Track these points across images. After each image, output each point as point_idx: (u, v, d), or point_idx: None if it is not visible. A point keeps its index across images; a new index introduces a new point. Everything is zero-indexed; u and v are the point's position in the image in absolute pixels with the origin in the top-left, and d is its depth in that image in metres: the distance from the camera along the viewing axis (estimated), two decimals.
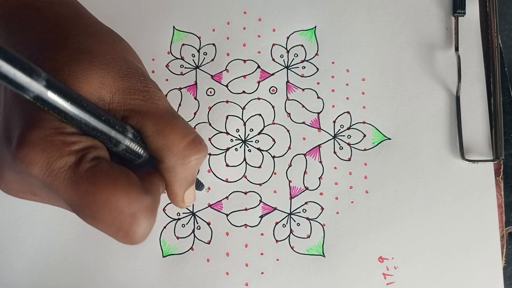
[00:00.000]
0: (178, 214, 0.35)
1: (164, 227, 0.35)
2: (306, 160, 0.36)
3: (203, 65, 0.37)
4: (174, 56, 0.37)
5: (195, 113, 0.36)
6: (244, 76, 0.37)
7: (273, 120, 0.36)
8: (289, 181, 0.35)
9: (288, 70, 0.37)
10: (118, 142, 0.23)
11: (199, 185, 0.32)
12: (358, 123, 0.36)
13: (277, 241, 0.35)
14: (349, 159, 0.36)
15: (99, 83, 0.23)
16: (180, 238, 0.35)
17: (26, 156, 0.21)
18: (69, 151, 0.21)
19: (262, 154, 0.36)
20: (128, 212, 0.21)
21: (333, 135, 0.36)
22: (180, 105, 0.36)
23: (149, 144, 0.24)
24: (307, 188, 0.35)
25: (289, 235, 0.35)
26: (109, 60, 0.24)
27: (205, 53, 0.37)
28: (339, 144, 0.36)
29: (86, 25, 0.26)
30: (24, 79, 0.18)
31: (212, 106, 0.36)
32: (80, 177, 0.21)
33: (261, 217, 0.35)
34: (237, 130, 0.36)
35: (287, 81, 0.36)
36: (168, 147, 0.24)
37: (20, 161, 0.21)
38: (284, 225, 0.35)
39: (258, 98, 0.36)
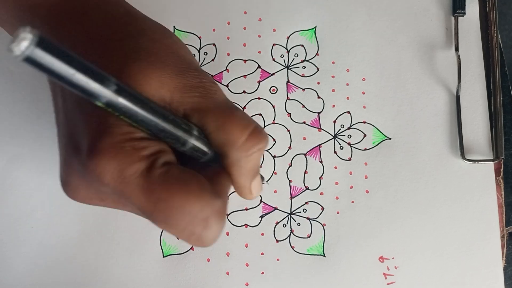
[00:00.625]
0: None
1: None
2: (307, 160, 0.36)
3: (203, 65, 0.37)
4: None
5: None
6: (245, 76, 0.37)
7: (274, 120, 0.36)
8: (290, 181, 0.35)
9: (289, 70, 0.37)
10: (185, 141, 0.23)
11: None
12: (358, 123, 0.36)
13: (277, 241, 0.35)
14: (350, 159, 0.36)
15: (159, 82, 0.23)
16: None
17: (97, 165, 0.21)
18: (140, 157, 0.21)
19: (263, 153, 0.36)
20: (200, 217, 0.21)
21: (333, 135, 0.36)
22: None
23: (212, 140, 0.24)
24: (307, 188, 0.35)
25: (289, 235, 0.35)
26: (164, 57, 0.24)
27: (205, 53, 0.37)
28: (340, 144, 0.36)
29: (136, 23, 0.26)
30: (96, 87, 0.18)
31: None
32: (152, 184, 0.21)
33: (262, 217, 0.35)
34: None
35: (288, 81, 0.36)
36: (231, 141, 0.24)
37: (92, 170, 0.21)
38: (284, 225, 0.35)
39: (259, 98, 0.36)
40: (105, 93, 0.19)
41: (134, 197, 0.21)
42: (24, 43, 0.15)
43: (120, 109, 0.20)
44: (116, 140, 0.21)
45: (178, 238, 0.35)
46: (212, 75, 0.37)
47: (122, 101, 0.20)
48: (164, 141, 0.23)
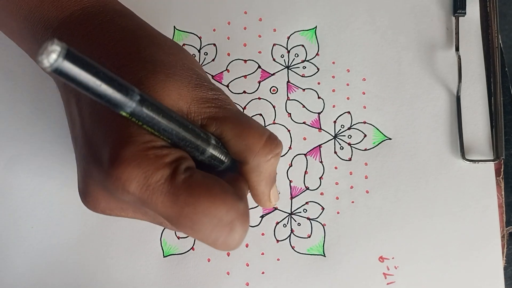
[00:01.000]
0: None
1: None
2: (307, 160, 0.36)
3: (204, 65, 0.37)
4: None
5: None
6: (245, 76, 0.37)
7: (274, 120, 0.36)
8: (290, 181, 0.35)
9: (289, 70, 0.37)
10: (204, 150, 0.24)
11: None
12: (358, 123, 0.36)
13: (277, 241, 0.35)
14: (350, 159, 0.36)
15: (177, 94, 0.24)
16: (181, 238, 0.35)
17: (122, 174, 0.21)
18: (163, 164, 0.22)
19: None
20: (226, 220, 0.22)
21: (333, 135, 0.36)
22: None
23: (230, 148, 0.25)
24: (307, 188, 0.35)
25: (289, 235, 0.35)
26: (180, 71, 0.25)
27: (205, 53, 0.37)
28: (340, 144, 0.36)
29: (151, 37, 0.26)
30: (121, 97, 0.19)
31: None
32: (177, 189, 0.21)
33: (262, 217, 0.35)
34: None
35: (288, 81, 0.36)
36: (250, 148, 0.25)
37: (116, 179, 0.21)
38: (284, 225, 0.35)
39: (259, 98, 0.36)
40: (130, 103, 0.19)
41: (160, 204, 0.21)
42: (53, 55, 0.16)
43: (144, 118, 0.21)
44: (139, 148, 0.21)
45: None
46: (212, 75, 0.37)
47: (145, 111, 0.20)
48: (183, 149, 0.23)
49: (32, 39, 0.28)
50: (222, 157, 0.25)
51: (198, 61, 0.37)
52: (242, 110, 0.36)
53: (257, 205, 0.35)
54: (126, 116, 0.20)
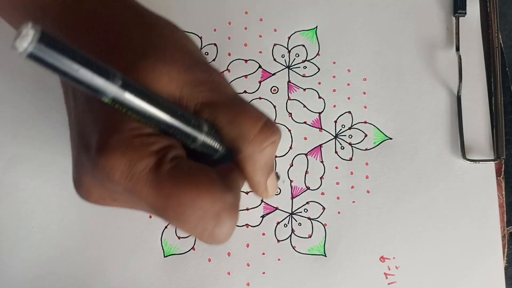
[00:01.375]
0: None
1: (166, 227, 0.35)
2: (308, 160, 0.36)
3: None
4: None
5: None
6: (246, 76, 0.37)
7: (274, 120, 0.36)
8: (291, 181, 0.35)
9: (290, 70, 0.37)
10: (195, 138, 0.22)
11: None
12: (359, 123, 0.36)
13: (278, 241, 0.35)
14: (351, 159, 0.36)
15: (168, 78, 0.22)
16: (182, 238, 0.35)
17: (107, 163, 0.21)
18: (149, 152, 0.21)
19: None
20: (212, 212, 0.21)
21: (334, 135, 0.36)
22: None
23: (223, 135, 0.24)
24: (308, 188, 0.35)
25: (290, 235, 0.35)
26: (172, 53, 0.23)
27: (206, 53, 0.37)
28: (341, 144, 0.36)
29: (143, 19, 0.25)
30: (101, 82, 0.18)
31: None
32: (162, 179, 0.21)
33: (263, 217, 0.35)
34: None
35: (288, 81, 0.36)
36: (243, 135, 0.23)
37: (101, 168, 0.21)
38: (285, 225, 0.35)
39: (260, 98, 0.36)
40: (111, 88, 0.18)
41: (144, 194, 0.21)
42: (27, 39, 0.15)
43: (127, 105, 0.19)
44: (124, 136, 0.21)
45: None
46: None
47: (128, 96, 0.19)
48: (174, 137, 0.22)
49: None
50: (216, 145, 0.24)
51: None
52: None
53: (258, 204, 0.35)
54: (108, 102, 0.19)
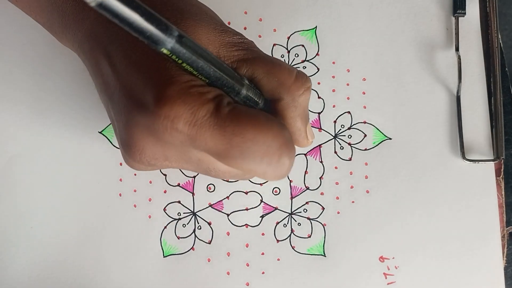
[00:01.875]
0: (179, 214, 0.35)
1: (165, 227, 0.35)
2: (307, 160, 0.36)
3: None
4: None
5: None
6: None
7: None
8: (290, 181, 0.35)
9: None
10: (240, 90, 0.24)
11: None
12: (358, 123, 0.36)
13: (278, 241, 0.35)
14: (350, 159, 0.36)
15: (207, 39, 0.25)
16: (181, 238, 0.35)
17: (170, 111, 0.22)
18: (207, 99, 0.22)
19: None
20: (274, 147, 0.22)
21: (333, 135, 0.36)
22: None
23: (263, 86, 0.26)
24: (308, 188, 0.35)
25: (290, 235, 0.35)
26: (205, 18, 0.26)
27: None
28: (340, 144, 0.36)
29: None
30: (161, 34, 0.20)
31: None
32: (224, 121, 0.22)
33: (262, 217, 0.35)
34: None
35: None
36: (282, 83, 0.26)
37: (165, 118, 0.22)
38: (285, 225, 0.35)
39: None
40: (169, 40, 0.20)
41: (209, 138, 0.22)
42: None
43: (184, 55, 0.21)
44: (181, 87, 0.22)
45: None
46: None
47: (184, 49, 0.21)
48: (221, 89, 0.24)
49: (51, 9, 0.29)
50: (256, 98, 0.25)
51: None
52: None
53: (257, 204, 0.35)
54: (167, 53, 0.20)
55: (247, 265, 0.34)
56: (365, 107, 0.36)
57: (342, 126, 0.36)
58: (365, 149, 0.36)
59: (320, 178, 0.35)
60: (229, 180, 0.35)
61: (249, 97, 0.25)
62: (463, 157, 0.35)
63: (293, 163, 0.24)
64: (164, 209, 0.35)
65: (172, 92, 0.22)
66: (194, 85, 0.23)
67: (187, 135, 0.22)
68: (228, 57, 0.25)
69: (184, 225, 0.35)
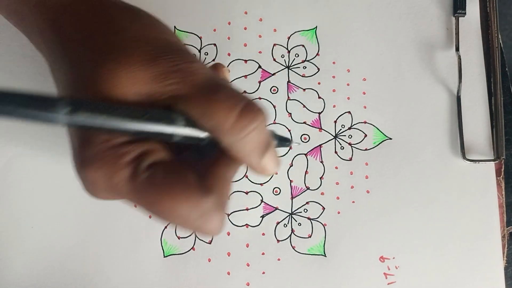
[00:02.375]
0: None
1: (165, 227, 0.35)
2: (307, 160, 0.36)
3: None
4: None
5: None
6: (245, 76, 0.37)
7: (274, 120, 0.36)
8: (290, 181, 0.35)
9: (289, 70, 0.37)
10: (171, 135, 0.22)
11: (284, 142, 0.29)
12: (359, 123, 0.36)
13: (278, 241, 0.35)
14: (350, 159, 0.36)
15: (131, 78, 0.22)
16: (181, 238, 0.35)
17: (87, 176, 0.21)
18: (122, 164, 0.21)
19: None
20: (193, 216, 0.21)
21: (334, 135, 0.36)
22: None
23: (201, 127, 0.22)
24: (308, 188, 0.35)
25: (290, 235, 0.35)
26: (131, 50, 0.22)
27: (206, 53, 0.37)
28: (340, 144, 0.36)
29: (103, 15, 0.24)
30: (47, 115, 0.18)
31: None
32: (140, 189, 0.21)
33: (262, 217, 0.35)
34: None
35: (288, 81, 0.36)
36: (218, 126, 0.22)
37: (85, 181, 0.22)
38: (285, 225, 0.35)
39: (259, 98, 0.36)
40: (61, 117, 0.19)
41: (130, 199, 0.22)
42: None
43: (84, 125, 0.20)
44: (97, 149, 0.21)
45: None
46: None
47: (81, 118, 0.19)
48: (150, 139, 0.22)
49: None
50: (200, 135, 0.22)
51: (199, 60, 0.37)
52: None
53: (257, 204, 0.35)
54: (64, 127, 0.20)
55: (248, 265, 0.34)
56: (365, 107, 0.36)
57: (343, 126, 0.36)
58: (366, 149, 0.36)
59: (320, 178, 0.35)
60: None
61: (188, 137, 0.22)
62: (464, 157, 0.35)
63: (223, 224, 0.22)
64: None
65: (87, 155, 0.21)
66: (112, 145, 0.21)
67: (111, 196, 0.22)
68: (161, 93, 0.22)
69: None
